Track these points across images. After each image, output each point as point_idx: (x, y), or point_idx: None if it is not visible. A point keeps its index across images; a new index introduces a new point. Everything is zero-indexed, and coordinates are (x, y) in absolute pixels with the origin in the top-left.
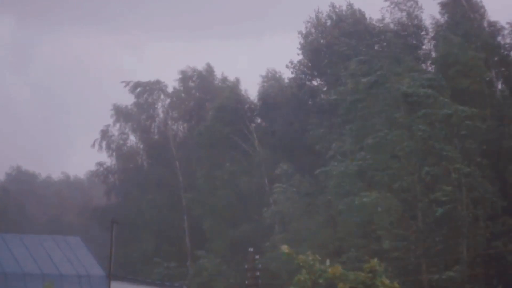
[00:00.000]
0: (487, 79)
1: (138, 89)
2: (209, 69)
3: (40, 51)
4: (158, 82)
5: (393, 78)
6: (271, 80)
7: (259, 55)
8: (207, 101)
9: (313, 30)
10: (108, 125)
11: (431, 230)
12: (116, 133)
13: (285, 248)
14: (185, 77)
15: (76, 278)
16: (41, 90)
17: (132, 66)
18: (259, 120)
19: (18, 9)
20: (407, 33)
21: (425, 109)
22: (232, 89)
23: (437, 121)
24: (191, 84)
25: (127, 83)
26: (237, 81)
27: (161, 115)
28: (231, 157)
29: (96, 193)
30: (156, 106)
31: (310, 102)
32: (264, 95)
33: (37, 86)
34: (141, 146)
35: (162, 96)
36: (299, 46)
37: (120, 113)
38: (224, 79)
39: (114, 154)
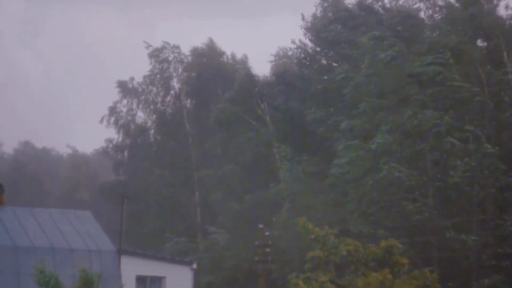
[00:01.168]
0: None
1: (159, 56)
2: (217, 48)
3: (50, 27)
4: (177, 47)
5: (407, 57)
6: (283, 58)
7: (264, 35)
8: (217, 77)
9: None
10: (116, 101)
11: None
12: (124, 109)
13: (302, 220)
14: (195, 54)
15: (87, 253)
16: (51, 65)
17: (139, 44)
18: (271, 98)
19: None
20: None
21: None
22: (247, 72)
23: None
24: (203, 60)
25: (148, 46)
26: (246, 58)
27: (176, 87)
28: (242, 134)
29: (105, 169)
30: (172, 77)
31: (312, 84)
32: (276, 73)
33: (47, 61)
34: (150, 122)
35: (179, 69)
36: (303, 24)
37: (126, 89)
38: (233, 57)
39: (121, 130)
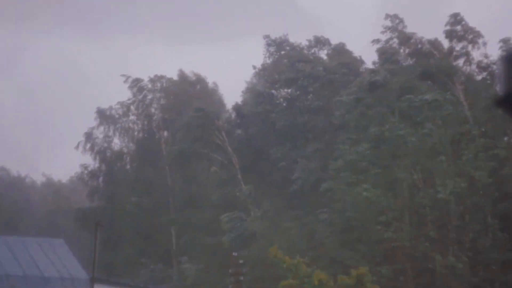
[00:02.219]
0: None
1: (137, 85)
2: (189, 78)
3: (25, 55)
4: (159, 77)
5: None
6: (248, 92)
7: (230, 59)
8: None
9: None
10: (93, 128)
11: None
12: (100, 136)
13: (273, 249)
14: (170, 84)
15: (59, 281)
16: (25, 93)
17: (115, 69)
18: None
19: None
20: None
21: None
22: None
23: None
24: (177, 90)
25: (127, 78)
26: (216, 86)
27: (156, 115)
28: (206, 170)
29: (80, 195)
30: (149, 105)
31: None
32: (238, 108)
33: (22, 90)
34: (126, 149)
35: (158, 95)
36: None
37: (104, 116)
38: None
39: (97, 157)
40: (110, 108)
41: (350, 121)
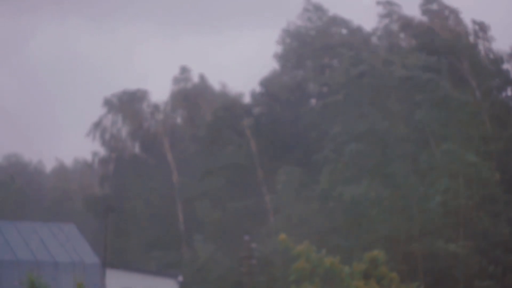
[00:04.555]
0: None
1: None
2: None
3: (30, 44)
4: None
5: (382, 69)
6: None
7: (240, 50)
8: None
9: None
10: (102, 116)
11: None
12: (109, 124)
13: (282, 237)
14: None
15: (71, 266)
16: (32, 81)
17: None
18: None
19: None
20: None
21: (425, 94)
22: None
23: (436, 106)
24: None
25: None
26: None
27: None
28: (225, 150)
29: (90, 182)
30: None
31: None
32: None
33: (26, 78)
34: (133, 137)
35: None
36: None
37: (112, 105)
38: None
39: (107, 144)
40: (117, 96)
41: None
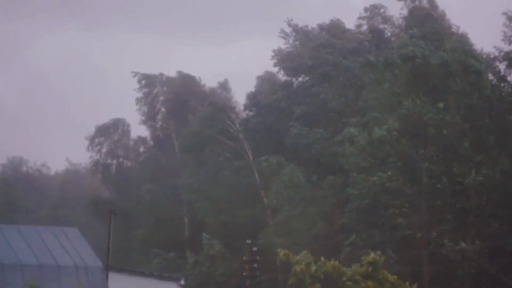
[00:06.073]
0: None
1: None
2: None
3: (33, 46)
4: (161, 75)
5: None
6: (266, 81)
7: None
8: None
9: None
10: (104, 123)
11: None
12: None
13: (281, 252)
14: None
15: (74, 269)
16: (33, 85)
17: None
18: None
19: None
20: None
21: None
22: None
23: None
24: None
25: (136, 74)
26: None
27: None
28: (218, 155)
29: (93, 184)
30: (159, 99)
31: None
32: (253, 95)
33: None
34: (140, 137)
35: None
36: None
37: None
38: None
39: (110, 147)
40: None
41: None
